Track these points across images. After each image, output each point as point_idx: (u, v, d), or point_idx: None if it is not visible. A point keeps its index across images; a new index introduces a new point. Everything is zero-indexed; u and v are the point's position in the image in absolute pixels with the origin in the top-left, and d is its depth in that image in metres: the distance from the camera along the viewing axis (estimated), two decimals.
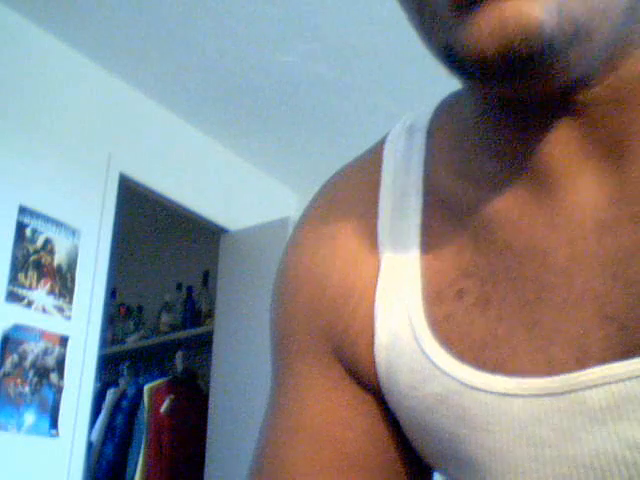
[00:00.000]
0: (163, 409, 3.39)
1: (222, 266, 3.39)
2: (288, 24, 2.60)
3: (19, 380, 2.34)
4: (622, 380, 0.35)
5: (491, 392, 0.39)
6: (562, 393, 0.37)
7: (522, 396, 0.38)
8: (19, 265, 2.42)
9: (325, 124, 3.22)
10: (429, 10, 0.37)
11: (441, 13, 0.36)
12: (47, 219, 2.54)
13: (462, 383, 0.40)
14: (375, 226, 0.47)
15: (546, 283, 0.40)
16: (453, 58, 0.36)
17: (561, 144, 0.40)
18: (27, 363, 2.37)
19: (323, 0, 2.49)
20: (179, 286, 3.98)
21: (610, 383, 0.36)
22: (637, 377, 0.35)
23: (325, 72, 2.85)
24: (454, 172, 0.45)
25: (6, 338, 2.33)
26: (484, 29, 0.34)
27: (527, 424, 0.38)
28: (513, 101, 0.40)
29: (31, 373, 2.37)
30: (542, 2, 0.33)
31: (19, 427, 2.31)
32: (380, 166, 0.49)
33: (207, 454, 3.12)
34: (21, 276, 2.42)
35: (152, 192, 3.04)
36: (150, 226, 4.22)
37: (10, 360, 2.32)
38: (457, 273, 0.42)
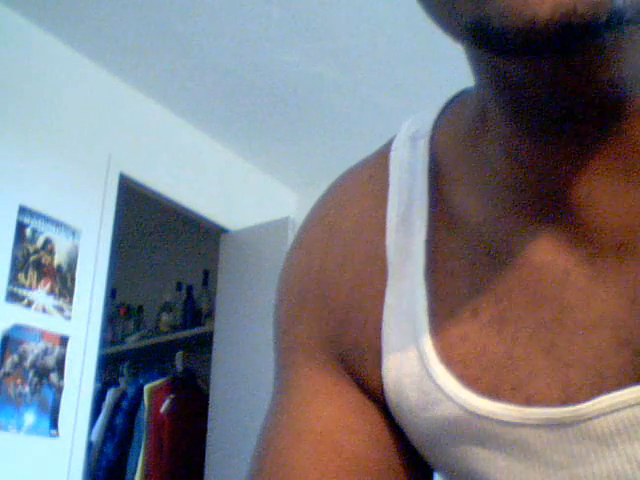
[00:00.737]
0: (163, 409, 3.39)
1: (222, 266, 3.39)
2: (288, 24, 2.60)
3: (19, 380, 2.34)
4: (630, 406, 0.35)
5: (497, 420, 0.38)
6: (570, 423, 0.37)
7: (530, 425, 0.38)
8: (19, 265, 2.42)
9: (325, 124, 3.22)
10: None
11: None
12: (47, 219, 2.54)
13: (468, 410, 0.39)
14: (383, 239, 0.46)
15: (565, 304, 0.38)
16: (488, 30, 0.30)
17: (586, 161, 0.37)
18: (27, 363, 2.37)
19: (323, 0, 2.49)
20: (179, 286, 3.98)
21: (619, 410, 0.35)
22: None
23: (325, 72, 2.85)
24: (462, 185, 0.43)
25: (6, 338, 2.33)
26: None
27: (537, 449, 0.38)
28: (539, 107, 0.37)
29: (31, 373, 2.37)
30: None
31: (19, 427, 2.31)
32: (387, 177, 0.48)
33: (207, 454, 3.12)
34: (21, 276, 2.42)
35: (152, 192, 3.04)
36: (150, 226, 4.22)
37: (10, 360, 2.32)
38: (470, 290, 0.41)
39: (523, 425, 0.38)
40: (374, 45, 2.68)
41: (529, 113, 0.37)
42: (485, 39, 0.30)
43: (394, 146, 0.49)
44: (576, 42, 0.29)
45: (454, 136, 0.46)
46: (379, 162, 0.49)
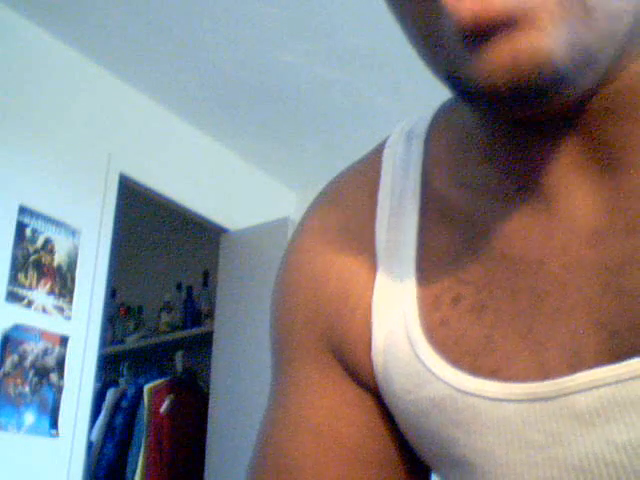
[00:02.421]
0: (163, 409, 3.39)
1: (222, 266, 3.39)
2: (288, 24, 2.60)
3: (19, 380, 2.34)
4: (609, 384, 0.36)
5: (483, 397, 0.40)
6: (551, 397, 0.38)
7: (513, 401, 0.39)
8: (19, 265, 2.42)
9: (325, 124, 3.22)
10: (435, 38, 0.36)
11: (448, 43, 0.35)
12: (47, 219, 2.54)
13: (455, 388, 0.41)
14: (373, 231, 0.48)
15: (540, 291, 0.40)
16: (461, 89, 0.36)
17: (557, 154, 0.40)
18: (27, 363, 2.37)
19: (323, 0, 2.49)
20: (179, 286, 3.98)
21: (598, 387, 0.36)
22: (624, 381, 0.36)
23: (325, 72, 2.85)
24: (452, 180, 0.46)
25: (6, 338, 2.33)
26: (496, 63, 0.33)
27: (519, 428, 0.39)
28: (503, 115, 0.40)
29: (31, 373, 2.37)
30: (553, 34, 0.33)
31: (19, 427, 2.31)
32: (379, 172, 0.50)
33: (207, 454, 3.12)
34: (21, 276, 2.42)
35: (152, 192, 3.04)
36: (150, 226, 4.22)
37: (10, 360, 2.33)
38: (453, 280, 0.43)
39: (507, 400, 0.39)
40: (374, 45, 2.68)
41: (508, 121, 0.41)
42: (459, 94, 0.37)
43: (388, 144, 0.51)
44: (532, 99, 0.34)
45: (446, 136, 0.48)
46: (372, 159, 0.52)
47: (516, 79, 0.33)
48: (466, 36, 0.34)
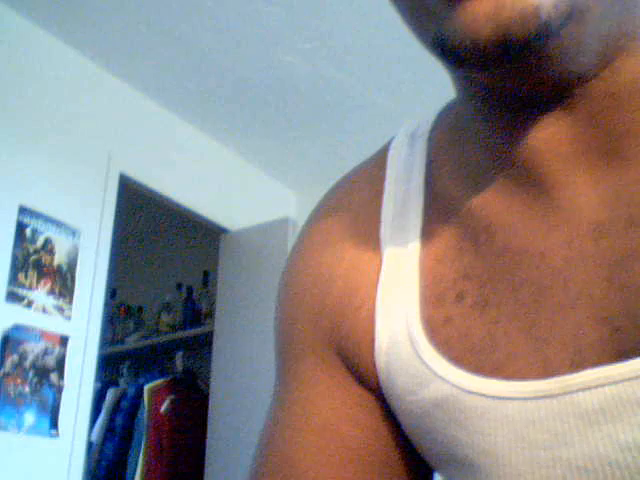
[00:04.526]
0: (163, 409, 3.39)
1: (222, 266, 3.39)
2: (288, 24, 2.60)
3: (19, 380, 2.34)
4: (615, 382, 0.36)
5: (486, 395, 0.39)
6: (556, 395, 0.37)
7: (517, 399, 0.38)
8: (19, 265, 2.42)
9: (325, 124, 3.22)
10: (419, 1, 0.37)
11: (432, 2, 0.36)
12: (47, 219, 2.54)
13: (457, 387, 0.40)
14: (378, 232, 0.47)
15: (542, 286, 0.40)
16: (446, 47, 0.36)
17: (556, 142, 0.39)
18: (27, 363, 2.37)
19: (323, 0, 2.49)
20: (179, 286, 3.98)
21: (604, 385, 0.36)
22: (629, 380, 0.35)
23: (325, 72, 2.85)
24: (454, 178, 0.46)
25: (6, 338, 2.33)
26: (479, 14, 0.33)
27: (522, 427, 0.38)
28: (508, 97, 0.39)
29: (31, 373, 2.37)
30: None
31: (19, 427, 2.31)
32: (384, 173, 0.50)
33: (207, 454, 3.12)
34: (21, 276, 2.42)
35: (152, 192, 3.04)
36: (150, 226, 4.22)
37: (10, 360, 2.32)
38: (456, 276, 0.43)
39: (511, 398, 0.38)
40: (374, 45, 2.68)
41: (498, 107, 0.41)
42: (445, 54, 0.36)
43: (392, 145, 0.51)
44: (516, 53, 0.34)
45: (448, 135, 0.48)
46: (377, 161, 0.52)
47: (499, 30, 0.33)
48: None
